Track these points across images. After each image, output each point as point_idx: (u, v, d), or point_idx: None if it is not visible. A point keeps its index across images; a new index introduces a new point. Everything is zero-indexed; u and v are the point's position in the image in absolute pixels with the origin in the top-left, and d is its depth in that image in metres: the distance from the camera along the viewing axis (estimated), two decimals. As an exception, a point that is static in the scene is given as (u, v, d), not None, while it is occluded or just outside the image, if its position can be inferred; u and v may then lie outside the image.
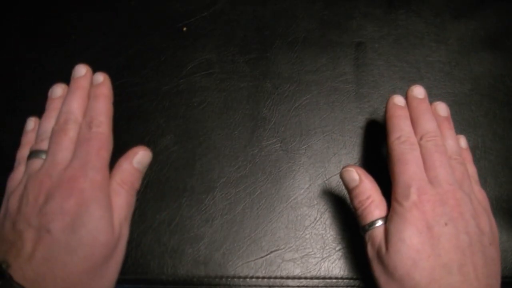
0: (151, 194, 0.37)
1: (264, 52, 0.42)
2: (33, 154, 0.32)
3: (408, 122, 0.33)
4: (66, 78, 0.41)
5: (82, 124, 0.32)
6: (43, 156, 0.31)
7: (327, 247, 0.36)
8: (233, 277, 0.35)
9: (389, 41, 0.42)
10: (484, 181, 0.38)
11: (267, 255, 0.35)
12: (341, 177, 0.33)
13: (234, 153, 0.38)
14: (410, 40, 0.42)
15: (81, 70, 0.35)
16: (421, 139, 0.32)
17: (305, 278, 0.35)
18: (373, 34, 0.43)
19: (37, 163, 0.31)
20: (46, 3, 0.44)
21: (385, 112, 0.34)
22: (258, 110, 0.40)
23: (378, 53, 0.42)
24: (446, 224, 0.29)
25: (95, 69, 0.41)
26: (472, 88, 0.41)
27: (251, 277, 0.35)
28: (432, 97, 0.40)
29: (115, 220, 0.30)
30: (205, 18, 0.43)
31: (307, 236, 0.36)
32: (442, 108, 0.35)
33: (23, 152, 0.33)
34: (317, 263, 0.35)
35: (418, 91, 0.35)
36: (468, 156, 0.35)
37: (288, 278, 0.35)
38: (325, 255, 0.35)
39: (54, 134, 0.32)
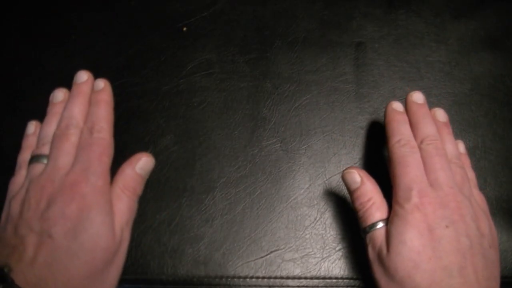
0: (151, 194, 0.37)
1: (264, 52, 0.42)
2: (35, 158, 0.32)
3: (408, 127, 0.34)
4: (66, 78, 0.41)
5: (83, 130, 0.32)
6: (45, 161, 0.32)
7: (327, 247, 0.36)
8: (233, 277, 0.35)
9: (389, 41, 0.42)
10: (484, 181, 0.38)
11: (267, 255, 0.35)
12: (343, 178, 0.33)
13: (234, 153, 0.38)
14: (410, 40, 0.42)
15: (83, 76, 0.35)
16: (421, 142, 0.32)
17: (305, 278, 0.35)
18: (373, 34, 0.43)
19: (38, 167, 0.31)
20: (46, 3, 0.44)
21: (384, 117, 0.35)
22: (258, 110, 0.40)
23: (378, 53, 0.42)
24: (447, 227, 0.29)
25: (95, 69, 0.41)
26: (472, 88, 0.41)
27: (251, 277, 0.35)
28: (432, 97, 0.40)
29: (117, 225, 0.30)
30: (205, 18, 0.43)
31: (307, 236, 0.36)
32: (441, 114, 0.35)
33: (24, 156, 0.34)
34: (317, 263, 0.35)
35: (418, 97, 0.35)
36: (466, 161, 0.35)
37: (288, 278, 0.35)
38: (325, 255, 0.35)
39: (56, 139, 0.32)
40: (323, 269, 0.35)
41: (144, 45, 0.42)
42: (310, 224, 0.36)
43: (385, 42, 0.42)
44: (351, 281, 0.35)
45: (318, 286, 0.35)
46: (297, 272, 0.35)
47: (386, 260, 0.29)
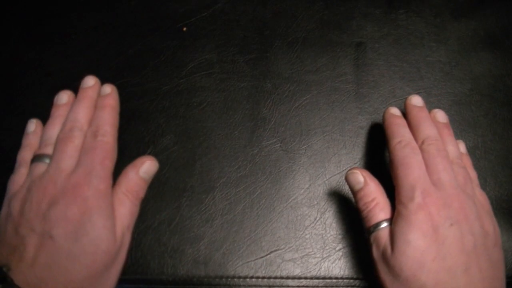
0: (151, 194, 0.37)
1: (264, 52, 0.42)
2: (37, 158, 0.32)
3: (408, 129, 0.34)
4: (66, 78, 0.41)
5: (87, 133, 0.32)
6: (47, 161, 0.31)
7: (327, 247, 0.36)
8: (233, 277, 0.35)
9: (389, 41, 0.42)
10: (484, 181, 0.38)
11: (267, 255, 0.35)
12: (346, 179, 0.33)
13: (234, 153, 0.38)
14: (410, 40, 0.42)
15: (90, 81, 0.35)
16: (422, 143, 0.32)
17: (305, 278, 0.35)
18: (373, 34, 0.43)
19: (40, 167, 0.31)
20: (46, 3, 0.44)
21: (383, 122, 0.35)
22: (258, 110, 0.40)
23: (378, 53, 0.42)
24: (451, 225, 0.29)
25: (95, 69, 0.41)
26: (472, 88, 0.41)
27: (251, 277, 0.35)
28: (432, 97, 0.40)
29: (118, 229, 0.30)
30: (205, 18, 0.43)
31: (307, 236, 0.36)
32: (441, 115, 0.36)
33: (24, 154, 0.33)
34: (317, 263, 0.35)
35: (417, 100, 0.36)
36: (468, 161, 0.35)
37: (288, 278, 0.35)
38: (325, 255, 0.35)
39: (60, 141, 0.32)
40: (323, 269, 0.35)
41: (144, 45, 0.42)
42: (310, 224, 0.36)
43: (385, 42, 0.42)
44: (351, 281, 0.35)
45: (318, 286, 0.35)
46: (297, 272, 0.35)
47: (391, 260, 0.29)
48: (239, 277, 0.35)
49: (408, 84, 0.41)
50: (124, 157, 0.36)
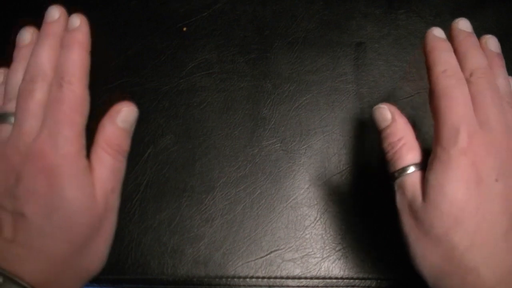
0: (151, 194, 0.37)
1: (264, 52, 0.42)
2: (1, 118, 0.27)
3: (454, 55, 0.29)
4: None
5: (52, 82, 0.27)
6: (12, 120, 0.27)
7: (327, 247, 0.36)
8: (233, 277, 0.35)
9: (389, 41, 0.42)
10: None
11: (267, 255, 0.35)
12: (373, 115, 0.30)
13: (234, 153, 0.38)
14: (410, 40, 0.42)
15: (54, 13, 0.30)
16: (470, 75, 0.28)
17: (305, 278, 0.35)
18: (373, 34, 0.43)
19: (5, 129, 0.27)
20: (46, 3, 0.44)
21: (424, 47, 0.30)
22: (258, 110, 0.40)
23: (378, 53, 0.42)
24: (496, 180, 0.25)
25: (95, 69, 0.41)
26: (472, 88, 0.41)
27: (251, 277, 0.35)
28: (432, 97, 0.40)
29: (98, 194, 0.26)
30: (205, 18, 0.43)
31: (307, 236, 0.36)
32: (493, 43, 0.31)
33: None
34: (317, 263, 0.35)
35: (465, 24, 0.30)
36: None
37: (288, 278, 0.35)
38: (325, 255, 0.35)
39: (20, 95, 0.27)
40: (323, 269, 0.35)
41: (144, 45, 0.42)
42: (310, 224, 0.36)
43: (385, 42, 0.42)
44: (351, 281, 0.35)
45: (318, 286, 0.35)
46: (297, 272, 0.35)
47: (421, 212, 0.25)
48: (239, 277, 0.35)
49: (408, 84, 0.41)
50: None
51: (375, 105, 0.40)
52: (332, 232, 0.36)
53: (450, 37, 0.31)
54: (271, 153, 0.38)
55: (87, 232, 0.26)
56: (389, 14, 0.43)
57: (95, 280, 0.30)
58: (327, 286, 0.35)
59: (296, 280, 0.35)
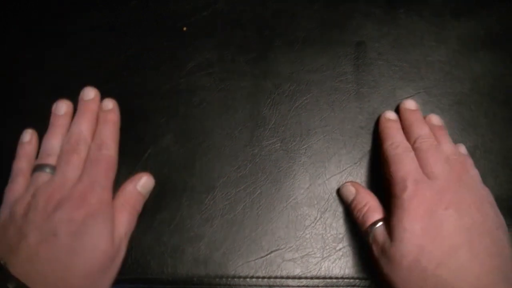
0: (151, 194, 0.37)
1: (264, 52, 0.42)
2: (39, 167, 0.33)
3: (401, 131, 0.35)
4: (66, 78, 0.41)
5: (92, 146, 0.34)
6: (48, 170, 0.33)
7: (327, 247, 0.36)
8: (233, 276, 0.35)
9: (389, 41, 0.42)
10: (484, 181, 0.37)
11: (267, 255, 0.36)
12: (340, 193, 0.36)
13: (234, 153, 0.38)
14: (410, 40, 0.42)
15: (90, 93, 0.37)
16: (414, 142, 0.33)
17: (305, 278, 0.35)
18: (373, 33, 0.43)
19: (43, 176, 0.33)
20: (46, 3, 0.44)
21: (378, 126, 0.36)
22: (258, 110, 0.40)
23: (378, 53, 0.42)
24: (446, 209, 0.29)
25: (95, 69, 0.41)
26: (472, 88, 0.41)
27: (251, 277, 0.35)
28: (432, 97, 0.40)
29: (116, 233, 0.32)
30: (205, 18, 0.43)
31: (307, 236, 0.36)
32: (435, 119, 0.37)
33: (20, 164, 0.35)
34: (317, 263, 0.35)
35: (410, 104, 0.37)
36: (469, 161, 0.35)
37: (288, 278, 0.35)
38: (325, 255, 0.35)
39: (66, 153, 0.34)
40: (323, 269, 0.35)
41: (144, 45, 0.42)
42: (310, 224, 0.36)
43: (385, 42, 0.42)
44: (351, 280, 0.35)
45: (318, 286, 0.35)
46: (297, 272, 0.35)
47: (391, 251, 0.29)
48: (239, 277, 0.35)
49: (408, 84, 0.41)
50: (124, 157, 0.37)
51: (375, 105, 0.40)
52: (332, 232, 0.36)
53: (399, 115, 0.37)
54: (271, 153, 0.38)
55: (104, 260, 0.30)
56: (389, 14, 0.43)
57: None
58: (327, 286, 0.35)
59: (296, 280, 0.35)
